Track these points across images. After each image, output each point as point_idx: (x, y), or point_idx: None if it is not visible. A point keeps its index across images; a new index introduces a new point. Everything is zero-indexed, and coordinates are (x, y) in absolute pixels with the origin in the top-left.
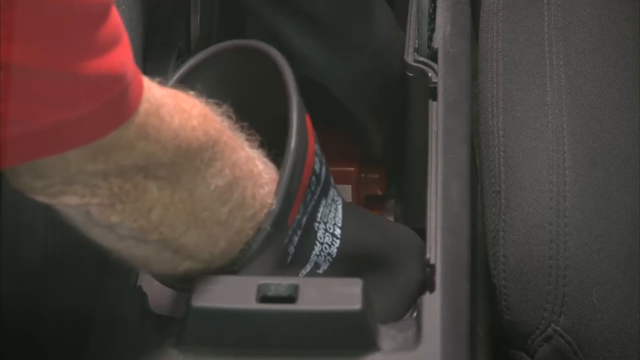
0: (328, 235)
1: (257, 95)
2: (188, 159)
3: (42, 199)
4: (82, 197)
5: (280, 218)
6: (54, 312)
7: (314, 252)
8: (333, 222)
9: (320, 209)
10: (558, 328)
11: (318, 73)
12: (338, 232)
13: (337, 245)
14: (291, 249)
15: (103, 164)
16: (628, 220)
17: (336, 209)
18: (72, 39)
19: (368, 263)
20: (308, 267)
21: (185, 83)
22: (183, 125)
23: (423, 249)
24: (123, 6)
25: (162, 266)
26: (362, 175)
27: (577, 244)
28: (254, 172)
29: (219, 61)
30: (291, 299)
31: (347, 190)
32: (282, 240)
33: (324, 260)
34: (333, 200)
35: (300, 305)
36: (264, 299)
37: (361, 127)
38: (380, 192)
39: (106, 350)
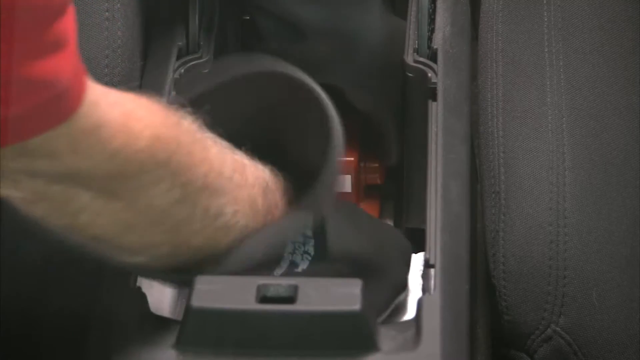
0: (299, 235)
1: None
2: (125, 179)
3: None
4: (3, 188)
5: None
6: (54, 312)
7: (287, 250)
8: None
9: None
10: (558, 328)
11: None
12: (309, 232)
13: (311, 243)
14: None
15: (26, 165)
16: (628, 221)
17: None
18: (9, 39)
19: (350, 264)
20: (283, 266)
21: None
22: (124, 147)
23: (408, 250)
24: (118, 4)
25: (105, 252)
26: (362, 164)
27: (576, 244)
28: (214, 185)
29: (257, 85)
30: (290, 299)
31: (347, 180)
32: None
33: (302, 259)
34: None
35: (299, 306)
36: (263, 299)
37: (363, 119)
38: (379, 182)
39: (105, 350)
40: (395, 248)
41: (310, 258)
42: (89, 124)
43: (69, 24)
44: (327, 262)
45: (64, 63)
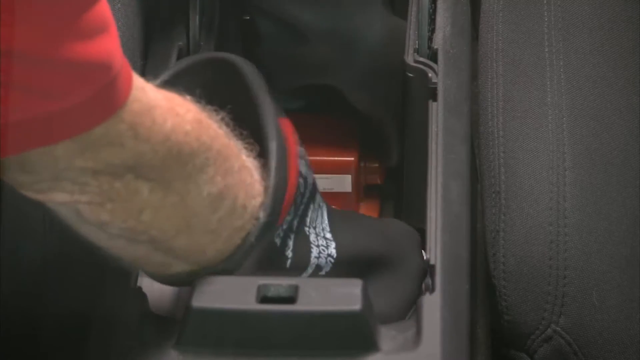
0: (321, 239)
1: (232, 103)
2: (179, 163)
3: (31, 194)
4: (71, 195)
5: (266, 230)
6: (54, 312)
7: (312, 255)
8: (322, 227)
9: (309, 213)
10: (558, 328)
11: (321, 64)
12: (329, 235)
13: (333, 246)
14: (289, 253)
15: (91, 160)
16: (628, 221)
17: (322, 215)
18: (58, 21)
19: (368, 264)
20: (309, 270)
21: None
22: (175, 129)
23: (417, 236)
24: (119, 4)
25: (153, 267)
26: (362, 164)
27: (577, 244)
28: (247, 181)
29: (195, 74)
30: (291, 299)
31: (347, 180)
32: (273, 245)
33: (326, 262)
34: (319, 205)
35: (300, 306)
36: (264, 299)
37: (363, 119)
38: (379, 182)
39: (106, 350)
40: (405, 237)
41: (333, 260)
42: (142, 107)
43: (106, 6)
44: (347, 265)
45: (113, 44)
